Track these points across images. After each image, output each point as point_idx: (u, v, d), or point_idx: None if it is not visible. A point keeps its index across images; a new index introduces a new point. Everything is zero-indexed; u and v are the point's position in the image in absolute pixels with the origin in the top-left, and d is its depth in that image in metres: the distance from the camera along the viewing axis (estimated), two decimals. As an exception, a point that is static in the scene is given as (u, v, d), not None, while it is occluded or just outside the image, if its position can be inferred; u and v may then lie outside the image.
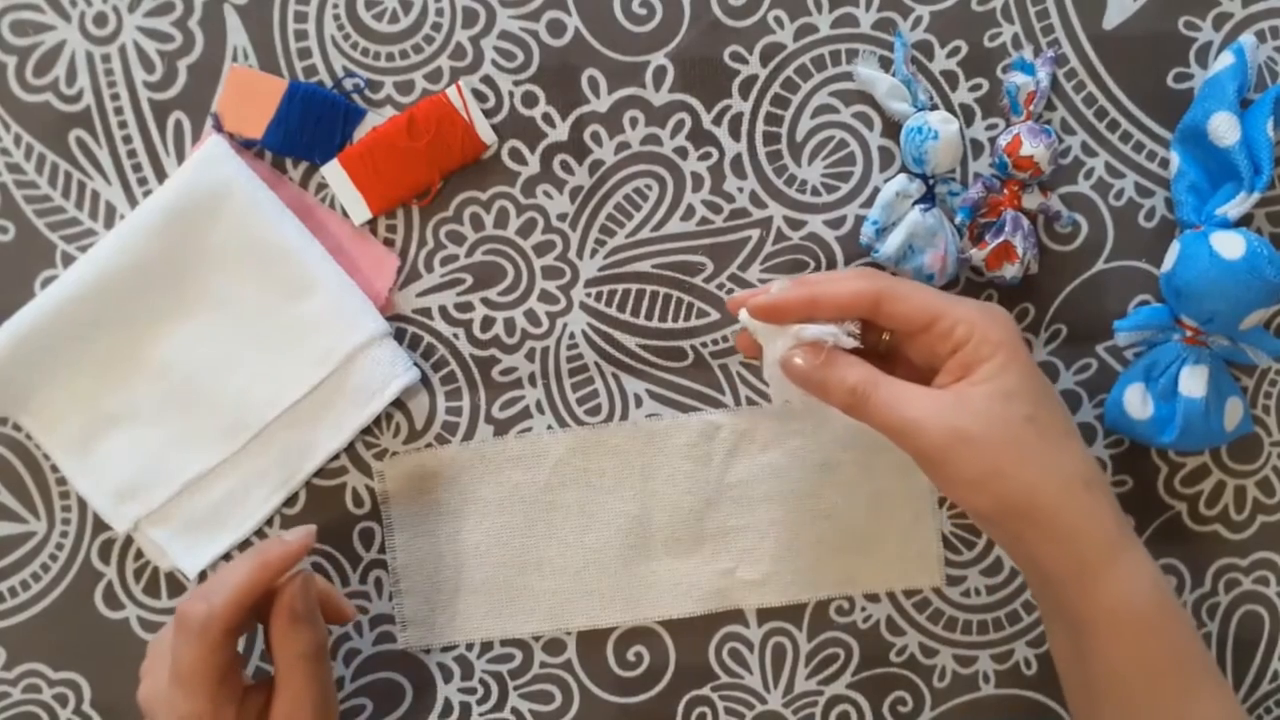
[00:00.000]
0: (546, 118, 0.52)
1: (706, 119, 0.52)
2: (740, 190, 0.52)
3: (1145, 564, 0.42)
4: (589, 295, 0.52)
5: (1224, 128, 0.49)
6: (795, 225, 0.52)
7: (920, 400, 0.41)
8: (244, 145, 0.51)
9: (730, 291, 0.52)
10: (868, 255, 0.51)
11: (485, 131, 0.51)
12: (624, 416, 0.52)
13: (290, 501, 0.52)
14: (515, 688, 0.53)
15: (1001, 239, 0.50)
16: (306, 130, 0.51)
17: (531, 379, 0.52)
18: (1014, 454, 0.41)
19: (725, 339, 0.52)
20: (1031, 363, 0.43)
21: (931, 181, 0.51)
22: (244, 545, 0.52)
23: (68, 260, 0.51)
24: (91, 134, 0.51)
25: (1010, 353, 0.41)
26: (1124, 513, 0.43)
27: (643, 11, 0.52)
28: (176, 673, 0.42)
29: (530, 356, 0.52)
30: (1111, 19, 0.52)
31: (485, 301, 0.52)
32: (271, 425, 0.50)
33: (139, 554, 0.52)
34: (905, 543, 0.53)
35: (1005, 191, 0.51)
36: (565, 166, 0.52)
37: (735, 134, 0.52)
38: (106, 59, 0.51)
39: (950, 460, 0.41)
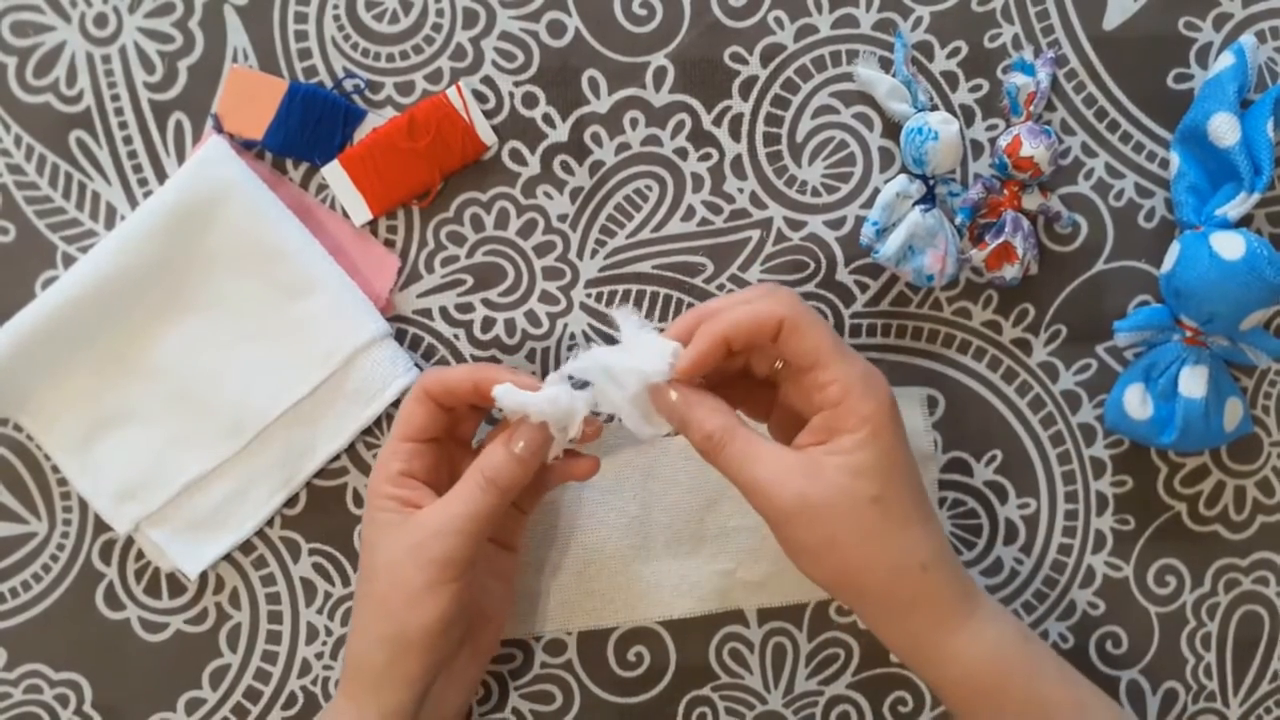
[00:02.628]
0: (547, 118, 0.52)
1: (707, 120, 0.52)
2: (740, 191, 0.52)
3: (988, 633, 0.43)
4: (589, 296, 0.52)
5: (1224, 128, 0.49)
6: (795, 226, 0.52)
7: (771, 461, 0.41)
8: (244, 146, 0.51)
9: (731, 292, 0.52)
10: (868, 256, 0.51)
11: (485, 132, 0.51)
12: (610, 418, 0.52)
13: (291, 502, 0.52)
14: (516, 688, 0.53)
15: (1001, 239, 0.50)
16: (307, 131, 0.51)
17: (532, 379, 0.52)
18: (853, 532, 0.41)
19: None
20: (895, 440, 0.42)
21: (932, 182, 0.51)
22: (245, 546, 0.52)
23: (68, 261, 0.51)
24: (92, 135, 0.51)
25: (873, 429, 0.41)
26: (969, 578, 0.44)
27: (643, 12, 0.52)
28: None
29: (531, 357, 0.52)
30: (1112, 19, 0.52)
31: (486, 302, 0.52)
32: (272, 426, 0.51)
33: (140, 555, 0.52)
34: (905, 543, 0.53)
35: (1005, 192, 0.51)
36: (565, 167, 0.52)
37: (735, 135, 0.52)
38: (107, 60, 0.51)
39: (791, 526, 0.41)
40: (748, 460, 0.41)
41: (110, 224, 0.51)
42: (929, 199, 0.51)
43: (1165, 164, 0.53)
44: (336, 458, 0.52)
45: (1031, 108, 0.51)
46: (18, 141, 0.51)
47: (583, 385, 0.44)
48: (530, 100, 0.52)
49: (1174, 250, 0.50)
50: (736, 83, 0.52)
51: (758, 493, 0.41)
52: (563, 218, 0.52)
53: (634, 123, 0.52)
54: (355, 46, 0.51)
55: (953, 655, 0.42)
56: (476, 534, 0.44)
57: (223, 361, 0.50)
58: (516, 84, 0.52)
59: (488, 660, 0.50)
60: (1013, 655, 0.43)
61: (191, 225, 0.49)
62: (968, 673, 0.42)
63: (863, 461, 0.41)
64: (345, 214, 0.51)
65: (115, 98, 0.51)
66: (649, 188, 0.52)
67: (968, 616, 0.42)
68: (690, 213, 0.52)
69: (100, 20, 0.51)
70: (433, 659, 0.44)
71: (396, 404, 0.51)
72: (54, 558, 0.52)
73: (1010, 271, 0.51)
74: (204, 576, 0.52)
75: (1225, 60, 0.50)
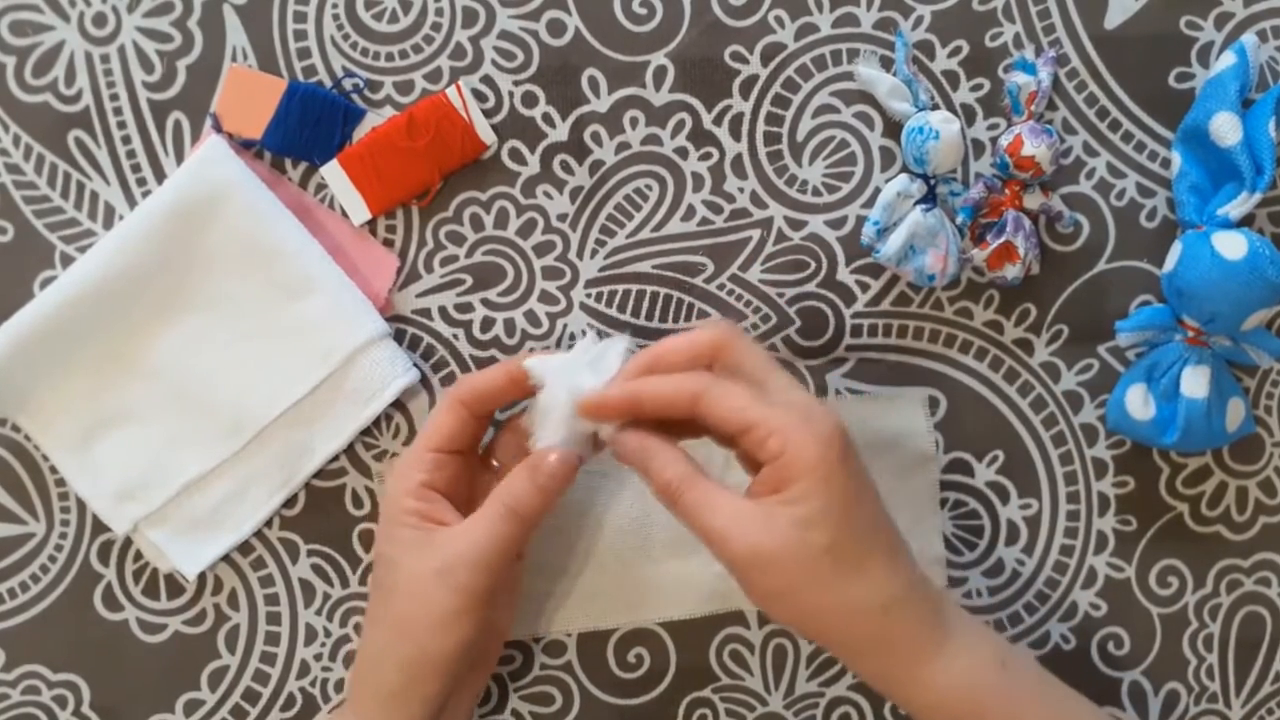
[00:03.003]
0: (546, 118, 0.52)
1: (707, 119, 0.52)
2: (741, 190, 0.52)
3: (960, 662, 0.42)
4: (589, 296, 0.52)
5: (1226, 128, 0.49)
6: (796, 225, 0.52)
7: (727, 511, 0.41)
8: (243, 145, 0.51)
9: (731, 292, 0.52)
10: (869, 255, 0.51)
11: (485, 131, 0.51)
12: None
13: (290, 502, 0.52)
14: (515, 689, 0.53)
15: (1003, 239, 0.50)
16: (306, 130, 0.51)
17: (531, 380, 0.52)
18: (809, 582, 0.41)
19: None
20: (846, 481, 0.41)
21: (933, 181, 0.51)
22: (243, 547, 0.51)
23: (67, 261, 0.51)
24: (91, 134, 0.51)
25: (819, 476, 0.40)
26: (940, 608, 0.43)
27: (643, 11, 0.52)
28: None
29: (530, 357, 0.52)
30: (1113, 19, 0.52)
31: (485, 302, 0.52)
32: (271, 426, 0.50)
33: (138, 555, 0.51)
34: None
35: (1007, 191, 0.51)
36: (565, 167, 0.52)
37: (736, 134, 0.52)
38: (106, 59, 0.51)
39: (752, 574, 0.41)
40: (704, 510, 0.41)
41: (109, 224, 0.51)
42: (930, 198, 0.51)
43: (1167, 163, 0.52)
44: (335, 458, 0.52)
45: (1033, 107, 0.51)
46: (16, 141, 0.51)
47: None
48: (530, 100, 0.52)
49: (1176, 250, 0.50)
50: (737, 82, 0.52)
51: (714, 542, 0.41)
52: (562, 217, 0.52)
53: (634, 122, 0.52)
54: (354, 46, 0.51)
55: (925, 685, 0.42)
56: (502, 563, 0.44)
57: (221, 361, 0.50)
58: (516, 83, 0.52)
59: (493, 667, 0.50)
60: (987, 683, 0.42)
61: (190, 225, 0.49)
62: (941, 701, 0.42)
63: (812, 512, 0.40)
64: (344, 213, 0.51)
65: (114, 97, 0.51)
66: (649, 187, 0.52)
67: (937, 649, 0.42)
68: (690, 212, 0.52)
69: (99, 20, 0.51)
70: (450, 680, 0.44)
71: (396, 404, 0.51)
72: (52, 558, 0.51)
73: (1012, 271, 0.50)
74: (202, 577, 0.52)
75: (1227, 59, 0.50)
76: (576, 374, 0.44)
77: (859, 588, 0.41)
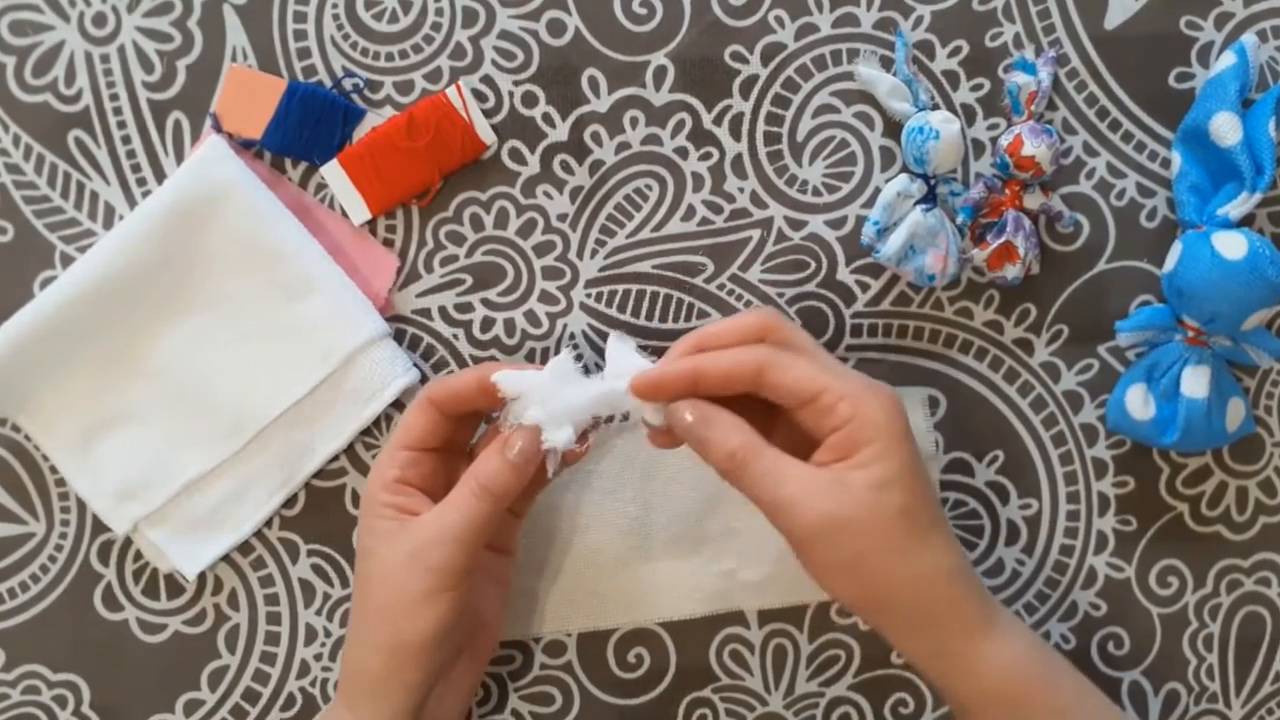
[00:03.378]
0: (546, 118, 0.52)
1: (707, 119, 0.52)
2: (741, 190, 0.52)
3: (1011, 641, 0.43)
4: (589, 296, 0.52)
5: (1226, 128, 0.49)
6: (796, 225, 0.52)
7: (798, 478, 0.41)
8: (243, 145, 0.51)
9: (731, 292, 0.52)
10: (869, 255, 0.51)
11: (485, 131, 0.51)
12: (625, 417, 0.52)
13: (290, 502, 0.52)
14: (515, 689, 0.53)
15: (1003, 239, 0.50)
16: (306, 130, 0.51)
17: (531, 380, 0.52)
18: (882, 545, 0.41)
19: (726, 339, 0.52)
20: (911, 449, 0.42)
21: (933, 181, 0.51)
22: (243, 547, 0.51)
23: (67, 261, 0.51)
24: (90, 134, 0.51)
25: (891, 438, 0.41)
26: (988, 593, 0.44)
27: (643, 11, 0.52)
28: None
29: (530, 357, 0.52)
30: (1113, 19, 0.52)
31: (485, 302, 0.52)
32: (271, 426, 0.50)
33: (138, 555, 0.51)
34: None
35: (1007, 191, 0.51)
36: (565, 166, 0.52)
37: (736, 134, 0.52)
38: (105, 59, 0.51)
39: (820, 544, 0.41)
40: (774, 478, 0.41)
41: (109, 224, 0.51)
42: (930, 198, 0.51)
43: (1167, 163, 0.52)
44: (335, 458, 0.52)
45: (1033, 107, 0.51)
46: (16, 141, 0.51)
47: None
48: (530, 99, 0.52)
49: (1176, 250, 0.50)
50: (737, 82, 0.52)
51: (785, 512, 0.41)
52: (562, 217, 0.52)
53: (634, 122, 0.52)
54: (354, 45, 0.51)
55: (981, 666, 0.42)
56: (473, 542, 0.44)
57: (221, 361, 0.50)
58: (516, 83, 0.52)
59: (485, 665, 0.50)
60: (1036, 665, 0.43)
61: (190, 225, 0.49)
62: (997, 681, 0.42)
63: (886, 473, 0.40)
64: (344, 213, 0.51)
65: (114, 97, 0.51)
66: (649, 187, 0.52)
67: (992, 626, 0.42)
68: (690, 212, 0.52)
69: (99, 19, 0.51)
70: (431, 666, 0.44)
71: (396, 404, 0.51)
72: (52, 558, 0.51)
73: (1012, 271, 0.50)
74: (202, 577, 0.52)
75: (1227, 59, 0.50)
76: (564, 382, 0.44)
77: (929, 553, 0.41)
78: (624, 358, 0.44)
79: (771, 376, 0.42)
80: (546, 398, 0.44)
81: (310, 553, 0.52)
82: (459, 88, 0.51)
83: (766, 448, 0.42)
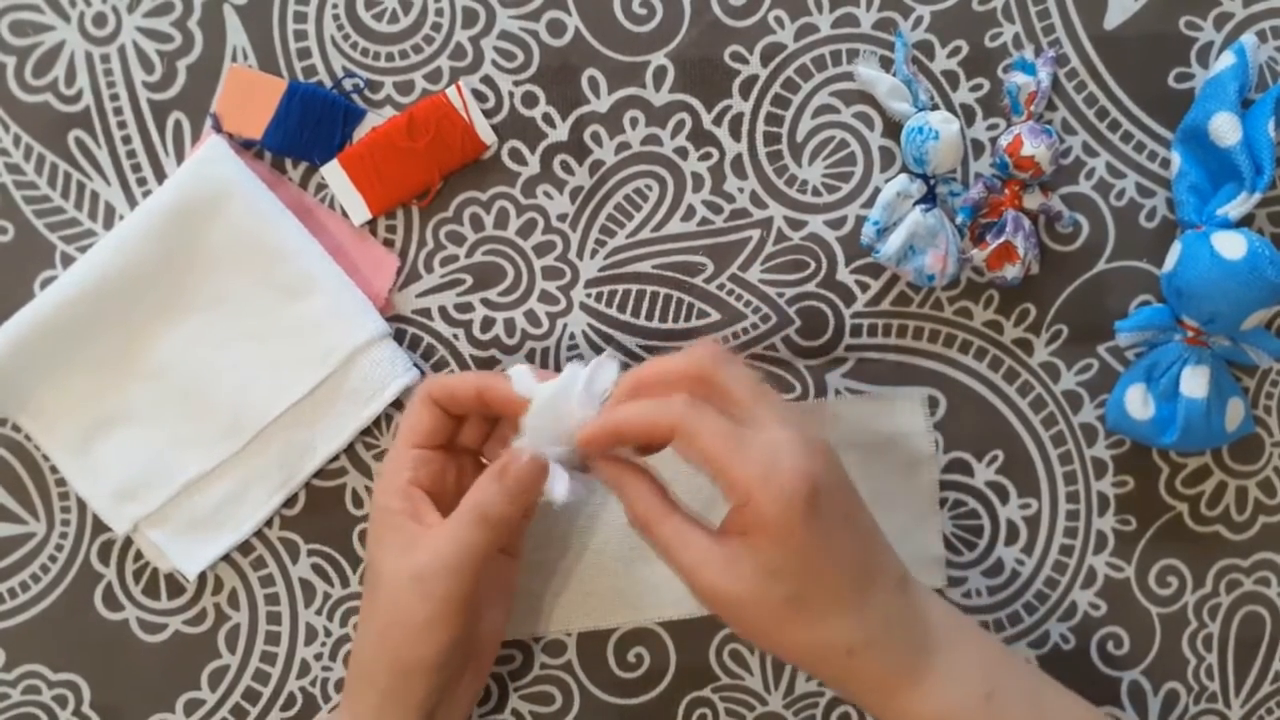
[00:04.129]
0: (546, 118, 0.52)
1: (707, 119, 0.52)
2: (741, 190, 0.52)
3: (944, 691, 0.42)
4: (589, 296, 0.52)
5: (1225, 128, 0.49)
6: (796, 225, 0.52)
7: (695, 550, 0.41)
8: (243, 145, 0.51)
9: (731, 292, 0.52)
10: (869, 255, 0.51)
11: (485, 131, 0.51)
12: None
13: (290, 502, 0.52)
14: (515, 689, 0.53)
15: (1002, 239, 0.50)
16: (306, 130, 0.51)
17: (531, 380, 0.52)
18: (771, 626, 0.41)
19: (726, 340, 0.52)
20: (806, 538, 0.40)
21: (932, 182, 0.51)
22: (243, 547, 0.52)
23: (67, 261, 0.51)
24: (91, 134, 0.51)
25: (783, 527, 0.40)
26: (920, 644, 0.42)
27: (643, 11, 0.52)
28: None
29: (530, 357, 0.52)
30: (1112, 19, 0.52)
31: (485, 302, 0.52)
32: (271, 426, 0.50)
33: (138, 555, 0.51)
34: (905, 544, 0.52)
35: (1006, 192, 0.51)
36: (565, 167, 0.52)
37: (735, 134, 0.52)
38: (106, 59, 0.51)
39: (718, 611, 0.42)
40: (675, 544, 0.42)
41: (109, 224, 0.51)
42: (930, 198, 0.51)
43: (1166, 163, 0.52)
44: (335, 458, 0.52)
45: (1032, 107, 0.51)
46: (16, 141, 0.51)
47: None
48: (530, 100, 0.52)
49: (1175, 250, 0.50)
50: (737, 82, 0.52)
51: (684, 576, 0.42)
52: (562, 217, 0.52)
53: (634, 122, 0.52)
54: (355, 46, 0.51)
55: (901, 714, 0.42)
56: (474, 569, 0.44)
57: (221, 361, 0.50)
58: (516, 83, 0.52)
59: (488, 671, 0.50)
60: (976, 713, 0.42)
61: (190, 225, 0.49)
62: None
63: (775, 561, 0.40)
64: (344, 213, 0.51)
65: (114, 97, 0.51)
66: (649, 187, 0.52)
67: (913, 685, 0.41)
68: (690, 212, 0.52)
69: (99, 20, 0.51)
70: (436, 684, 0.45)
71: (396, 404, 0.51)
72: (52, 558, 0.51)
73: (1011, 271, 0.50)
74: (203, 577, 0.52)
75: (1226, 60, 0.50)
76: (564, 402, 0.43)
77: (822, 633, 0.41)
78: (600, 381, 0.44)
79: (681, 444, 0.41)
80: (544, 424, 0.43)
81: (310, 552, 0.52)
82: (459, 88, 0.51)
83: (671, 513, 0.42)
